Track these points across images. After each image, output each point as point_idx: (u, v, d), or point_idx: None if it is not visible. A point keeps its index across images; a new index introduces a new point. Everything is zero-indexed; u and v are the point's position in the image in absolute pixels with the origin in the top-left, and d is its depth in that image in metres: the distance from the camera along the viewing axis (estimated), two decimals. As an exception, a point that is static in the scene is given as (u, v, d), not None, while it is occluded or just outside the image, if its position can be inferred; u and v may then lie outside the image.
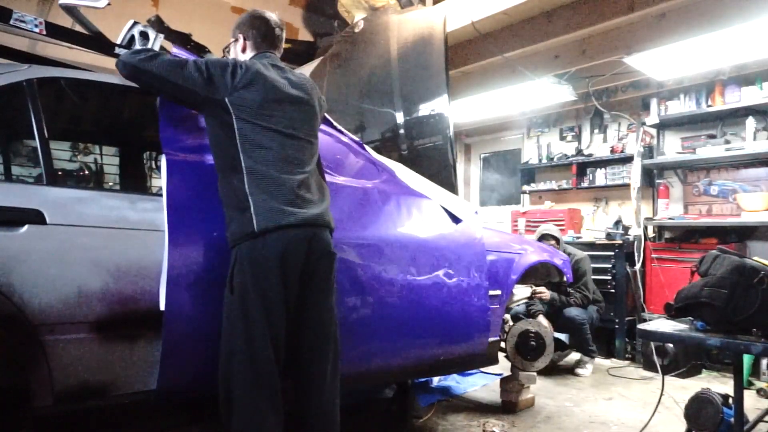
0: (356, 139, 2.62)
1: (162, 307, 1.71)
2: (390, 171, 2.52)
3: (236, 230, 1.69)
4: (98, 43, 2.33)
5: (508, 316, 3.42)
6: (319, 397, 1.78)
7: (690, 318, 2.04)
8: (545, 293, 3.84)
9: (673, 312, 2.10)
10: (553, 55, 4.28)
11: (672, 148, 4.85)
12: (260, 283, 1.64)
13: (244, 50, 1.98)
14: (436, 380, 3.60)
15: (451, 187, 3.09)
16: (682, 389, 3.52)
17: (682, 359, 3.94)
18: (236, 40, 1.99)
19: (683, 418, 2.25)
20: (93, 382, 1.73)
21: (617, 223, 5.05)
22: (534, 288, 3.70)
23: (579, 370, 4.07)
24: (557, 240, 4.28)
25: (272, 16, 2.01)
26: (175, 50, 2.02)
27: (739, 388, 1.98)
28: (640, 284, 4.54)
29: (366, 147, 2.61)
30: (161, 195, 1.79)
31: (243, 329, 1.64)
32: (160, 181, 1.90)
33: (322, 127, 2.47)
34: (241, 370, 1.63)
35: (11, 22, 1.97)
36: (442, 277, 2.44)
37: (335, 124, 2.58)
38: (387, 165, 2.57)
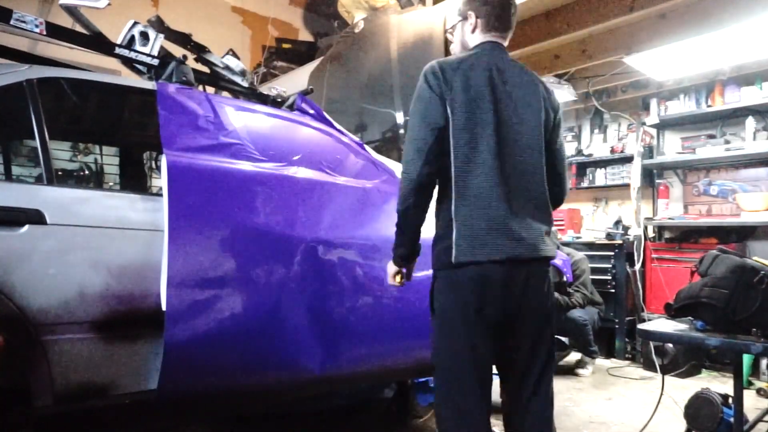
0: (356, 139, 2.62)
1: (163, 306, 1.71)
2: (390, 171, 2.52)
3: None
4: (98, 43, 2.33)
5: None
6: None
7: (690, 318, 2.04)
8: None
9: (673, 312, 2.10)
10: (553, 55, 4.28)
11: (672, 148, 4.85)
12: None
13: (473, 31, 1.72)
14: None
15: None
16: (682, 389, 3.52)
17: (682, 359, 3.94)
18: (465, 18, 1.73)
19: (683, 418, 2.25)
20: (93, 382, 1.73)
21: (617, 223, 5.05)
22: None
23: (579, 370, 4.07)
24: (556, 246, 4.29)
25: None
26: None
27: (739, 388, 1.98)
28: (639, 284, 4.54)
29: (366, 147, 2.61)
30: (161, 195, 1.79)
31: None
32: (160, 181, 1.90)
33: (322, 127, 2.47)
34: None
35: (12, 22, 1.98)
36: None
37: (335, 124, 2.58)
38: (387, 165, 2.57)
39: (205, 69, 2.70)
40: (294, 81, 5.12)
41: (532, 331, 1.62)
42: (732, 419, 2.03)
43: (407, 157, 1.55)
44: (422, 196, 1.57)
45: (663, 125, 4.84)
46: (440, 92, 1.55)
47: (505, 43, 1.77)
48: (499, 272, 1.51)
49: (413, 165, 1.53)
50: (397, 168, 2.62)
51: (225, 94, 2.78)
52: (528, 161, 1.60)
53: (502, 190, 1.53)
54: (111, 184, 3.34)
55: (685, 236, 4.59)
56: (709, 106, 4.50)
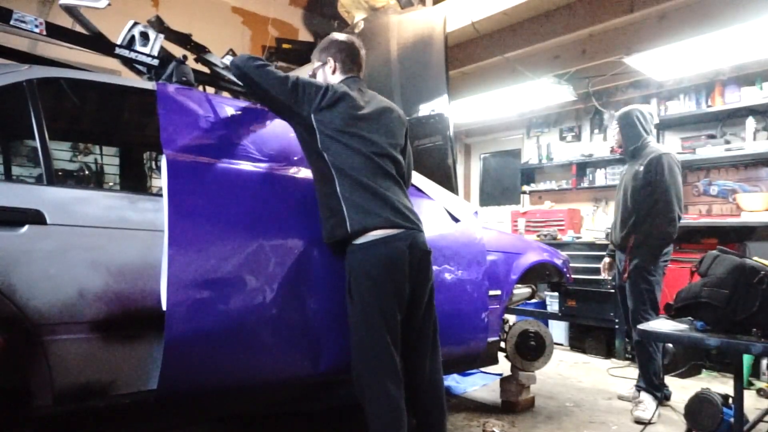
0: None
1: (163, 306, 1.71)
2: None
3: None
4: (98, 43, 2.33)
5: (508, 316, 3.42)
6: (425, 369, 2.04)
7: (690, 318, 2.04)
8: None
9: (673, 312, 2.10)
10: (553, 55, 4.28)
11: (672, 148, 4.84)
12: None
13: (334, 72, 2.15)
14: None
15: (451, 187, 3.09)
16: (683, 389, 3.52)
17: (682, 359, 3.94)
18: (324, 63, 2.16)
19: (683, 418, 2.25)
20: (93, 382, 1.73)
21: (617, 223, 5.04)
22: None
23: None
24: None
25: (354, 39, 2.20)
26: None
27: (739, 388, 1.98)
28: (640, 284, 4.53)
29: None
30: (161, 195, 1.79)
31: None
32: (160, 181, 1.90)
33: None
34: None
35: (11, 22, 1.98)
36: (442, 276, 2.44)
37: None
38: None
39: (205, 69, 2.70)
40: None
41: None
42: (732, 419, 2.03)
43: None
44: None
45: (663, 125, 4.84)
46: None
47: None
48: None
49: None
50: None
51: (225, 94, 2.78)
52: None
53: None
54: (111, 184, 3.34)
55: (685, 236, 4.59)
56: (709, 106, 4.51)
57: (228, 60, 2.66)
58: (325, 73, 2.16)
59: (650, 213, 3.10)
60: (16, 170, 2.87)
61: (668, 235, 3.10)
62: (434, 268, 2.42)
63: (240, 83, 2.06)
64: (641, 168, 3.14)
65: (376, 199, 1.92)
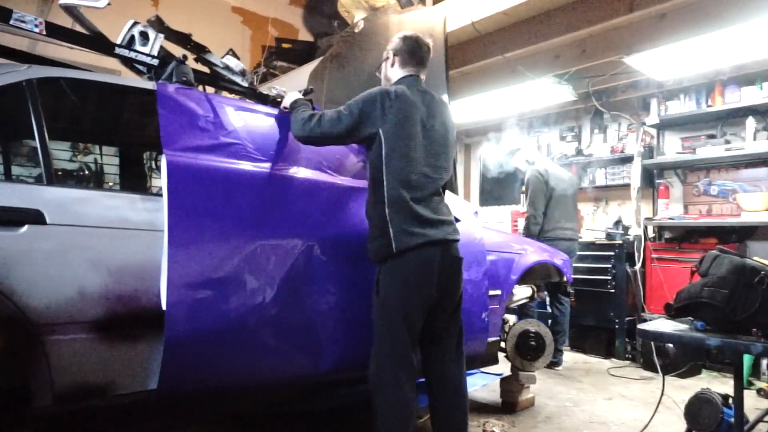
0: None
1: (163, 306, 1.71)
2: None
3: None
4: (98, 43, 2.33)
5: (508, 316, 3.42)
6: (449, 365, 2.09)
7: (690, 318, 2.04)
8: None
9: (673, 312, 2.10)
10: (553, 55, 4.27)
11: (672, 148, 4.85)
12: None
13: (392, 66, 2.20)
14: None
15: (451, 187, 3.08)
16: (682, 389, 3.52)
17: (682, 359, 3.93)
18: (387, 58, 2.21)
19: (683, 418, 2.25)
20: (93, 382, 1.73)
21: (617, 223, 5.05)
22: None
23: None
24: None
25: (421, 36, 2.22)
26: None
27: (739, 388, 1.98)
28: (640, 284, 4.54)
29: None
30: (161, 195, 1.79)
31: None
32: (160, 181, 1.90)
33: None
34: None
35: (11, 22, 1.97)
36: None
37: None
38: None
39: (205, 69, 2.70)
40: (294, 81, 5.12)
41: None
42: (732, 419, 2.03)
43: None
44: None
45: (663, 125, 4.83)
46: None
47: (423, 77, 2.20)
48: None
49: None
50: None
51: (225, 94, 2.78)
52: None
53: None
54: (111, 184, 3.34)
55: (685, 236, 4.59)
56: (709, 106, 4.50)
57: (228, 60, 2.67)
58: (386, 67, 2.22)
59: None
60: (16, 170, 2.87)
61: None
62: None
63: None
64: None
65: (420, 218, 1.96)
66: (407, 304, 1.94)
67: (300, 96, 2.26)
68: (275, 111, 2.30)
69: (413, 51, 2.16)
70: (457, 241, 2.07)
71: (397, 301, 1.94)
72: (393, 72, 2.19)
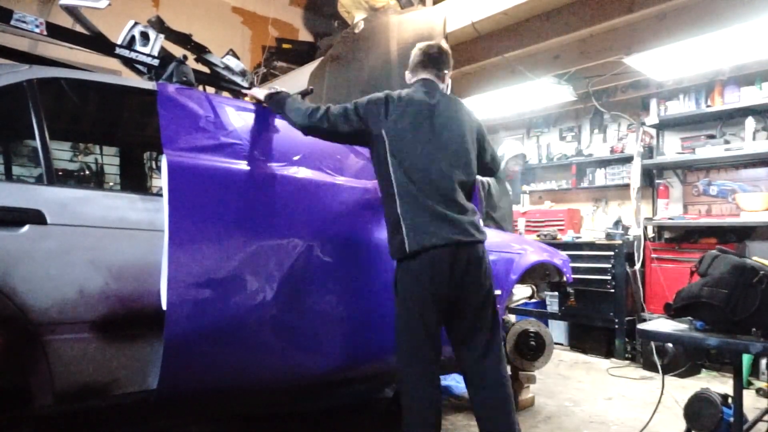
0: None
1: (164, 306, 1.71)
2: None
3: None
4: (98, 43, 2.33)
5: (509, 316, 3.42)
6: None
7: (690, 318, 2.04)
8: None
9: (672, 312, 2.10)
10: (553, 55, 4.27)
11: (672, 148, 4.85)
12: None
13: (408, 72, 2.25)
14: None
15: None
16: (682, 389, 3.52)
17: (681, 359, 3.94)
18: (407, 68, 2.26)
19: (683, 418, 2.25)
20: (93, 382, 1.73)
21: (617, 223, 5.05)
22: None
23: None
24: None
25: (439, 43, 2.28)
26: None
27: (739, 388, 1.98)
28: (639, 284, 4.54)
29: None
30: (161, 195, 1.80)
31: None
32: (160, 181, 1.90)
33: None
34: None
35: (12, 22, 1.98)
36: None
37: None
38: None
39: (205, 69, 2.70)
40: (294, 81, 5.12)
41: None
42: (732, 419, 2.03)
43: None
44: None
45: (663, 125, 4.84)
46: None
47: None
48: None
49: None
50: None
51: (225, 94, 2.78)
52: None
53: None
54: (111, 184, 3.35)
55: (684, 236, 4.59)
56: (708, 106, 4.50)
57: (228, 60, 2.67)
58: (405, 76, 2.27)
59: None
60: (16, 170, 2.87)
61: None
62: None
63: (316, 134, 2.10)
64: None
65: (434, 218, 1.96)
66: (420, 301, 1.97)
67: (271, 90, 2.25)
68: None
69: (423, 57, 2.20)
70: (477, 241, 2.04)
71: (412, 298, 1.97)
72: (408, 80, 2.25)
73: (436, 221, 1.95)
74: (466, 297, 2.02)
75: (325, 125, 2.03)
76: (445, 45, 2.26)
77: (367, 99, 2.07)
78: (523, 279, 3.17)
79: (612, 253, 4.57)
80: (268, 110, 2.22)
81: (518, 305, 4.44)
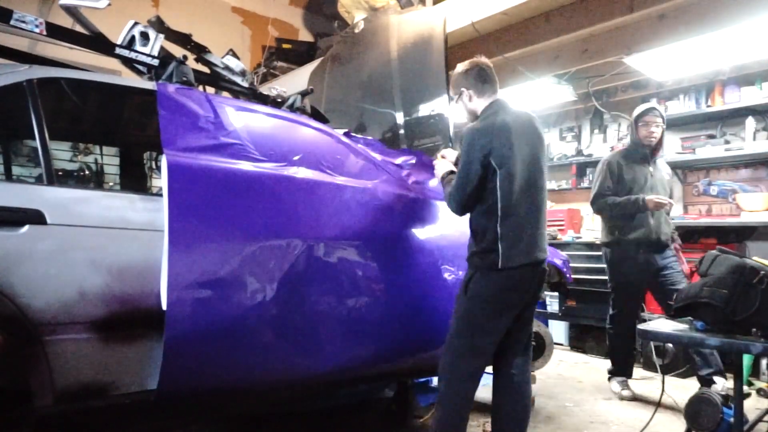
0: (358, 135, 2.61)
1: (164, 306, 1.71)
2: (390, 170, 2.52)
3: None
4: (98, 43, 2.33)
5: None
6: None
7: (690, 318, 2.04)
8: None
9: (673, 312, 2.10)
10: (553, 55, 4.27)
11: (672, 148, 4.84)
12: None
13: (471, 100, 2.18)
14: (436, 380, 3.59)
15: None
16: (682, 389, 3.52)
17: (682, 359, 3.94)
18: (460, 95, 2.20)
19: (683, 418, 2.25)
20: (93, 382, 1.73)
21: (617, 223, 5.04)
22: None
23: None
24: None
25: (479, 59, 2.24)
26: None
27: (739, 388, 1.98)
28: (640, 284, 4.53)
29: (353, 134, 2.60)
30: (161, 195, 1.79)
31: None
32: (160, 181, 1.90)
33: (322, 126, 2.48)
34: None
35: (12, 22, 1.98)
36: (442, 277, 2.44)
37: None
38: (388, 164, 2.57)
39: (205, 69, 2.70)
40: (294, 81, 5.12)
41: None
42: (732, 419, 2.03)
43: None
44: None
45: (663, 125, 4.83)
46: None
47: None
48: None
49: None
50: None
51: (225, 94, 2.79)
52: None
53: None
54: (111, 184, 3.34)
55: (684, 236, 4.58)
56: (708, 106, 4.50)
57: (228, 60, 2.67)
58: (466, 104, 2.20)
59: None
60: (16, 170, 2.87)
61: None
62: (434, 268, 2.43)
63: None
64: (664, 166, 3.65)
65: (528, 235, 2.01)
66: (502, 306, 2.02)
67: (451, 167, 2.25)
68: (275, 111, 2.30)
69: (482, 77, 2.17)
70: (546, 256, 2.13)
71: (493, 302, 2.01)
72: (475, 105, 2.17)
73: (529, 245, 2.01)
74: (531, 306, 2.14)
75: (457, 202, 2.06)
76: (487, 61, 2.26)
77: (465, 151, 2.02)
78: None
79: (612, 253, 4.56)
80: (268, 110, 2.22)
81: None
